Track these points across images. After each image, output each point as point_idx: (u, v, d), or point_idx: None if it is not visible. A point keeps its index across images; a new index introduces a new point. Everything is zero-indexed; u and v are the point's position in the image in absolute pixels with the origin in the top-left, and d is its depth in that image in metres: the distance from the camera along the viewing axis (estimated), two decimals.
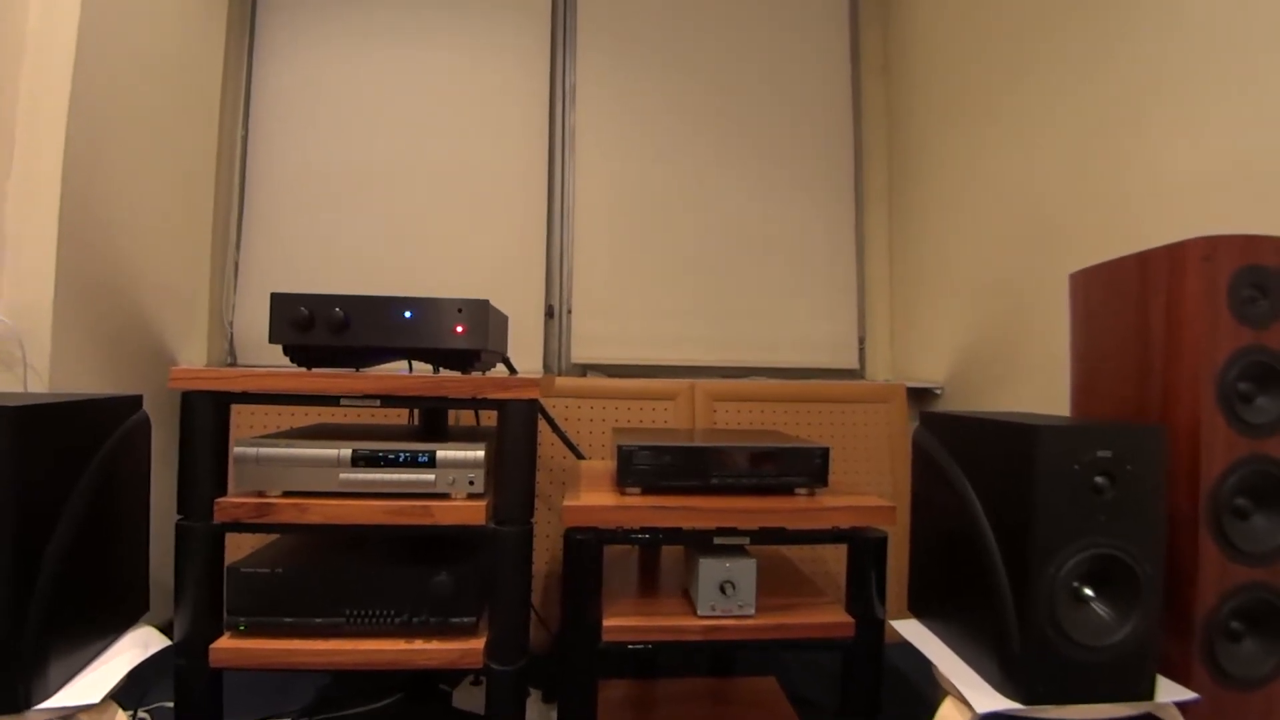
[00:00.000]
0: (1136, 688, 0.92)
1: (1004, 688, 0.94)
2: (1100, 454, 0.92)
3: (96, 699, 0.89)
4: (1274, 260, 0.97)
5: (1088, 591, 0.94)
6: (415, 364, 1.34)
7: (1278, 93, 1.14)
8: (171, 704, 1.08)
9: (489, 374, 1.23)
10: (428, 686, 1.58)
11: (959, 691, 0.97)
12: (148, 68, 1.78)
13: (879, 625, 1.16)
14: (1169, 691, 0.93)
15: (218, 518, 1.07)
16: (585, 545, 1.12)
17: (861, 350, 2.44)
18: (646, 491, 1.17)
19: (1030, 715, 0.92)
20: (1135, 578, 0.92)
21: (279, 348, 1.15)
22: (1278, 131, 1.14)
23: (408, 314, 1.13)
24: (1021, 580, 0.93)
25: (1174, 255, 1.01)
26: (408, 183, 2.25)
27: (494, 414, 1.15)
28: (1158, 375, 1.03)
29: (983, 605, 1.00)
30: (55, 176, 1.46)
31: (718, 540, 1.16)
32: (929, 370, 2.21)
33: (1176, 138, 1.33)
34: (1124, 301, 1.11)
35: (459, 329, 1.14)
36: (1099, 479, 0.92)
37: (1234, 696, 0.96)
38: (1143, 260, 1.07)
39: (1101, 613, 0.93)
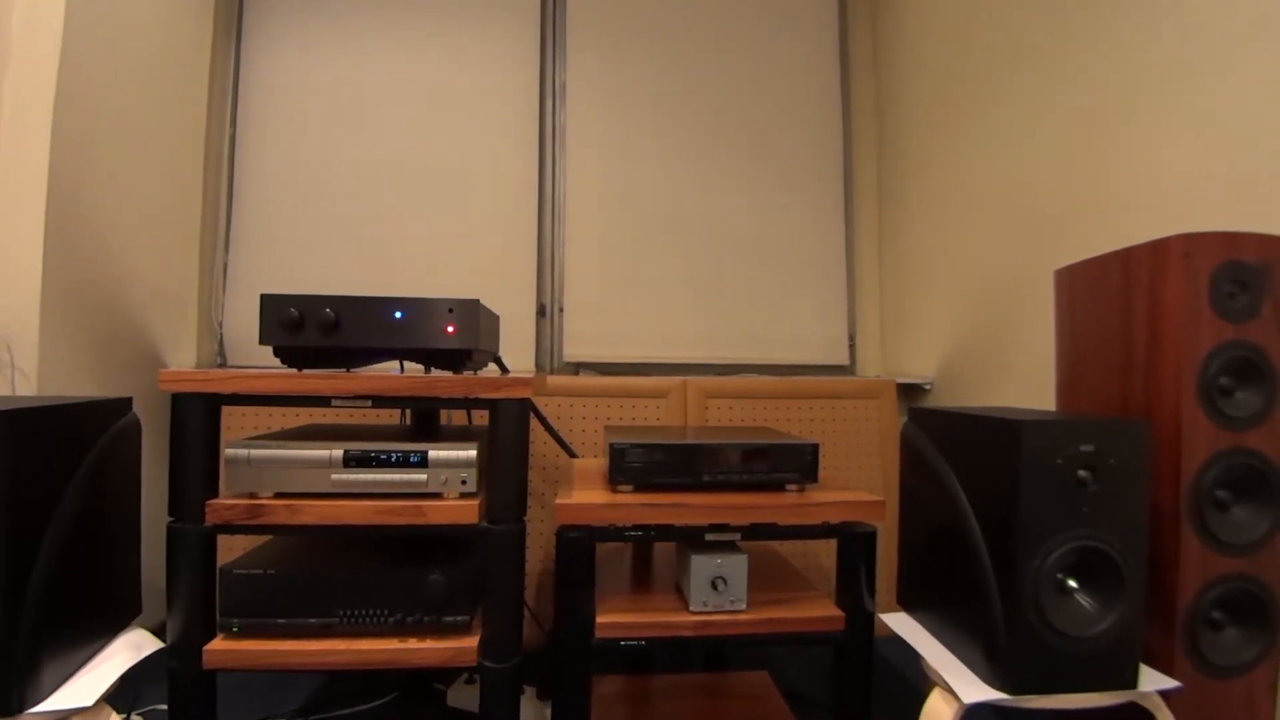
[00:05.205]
0: (1120, 677, 0.94)
1: (990, 678, 0.96)
2: (1083, 448, 0.93)
3: (90, 702, 0.89)
4: (1254, 256, 0.99)
5: (1072, 583, 0.96)
6: (407, 364, 1.34)
7: (1260, 91, 1.15)
8: (165, 707, 1.07)
9: (481, 373, 1.23)
10: (422, 685, 1.58)
11: (946, 683, 0.99)
12: (134, 67, 1.77)
13: (869, 619, 1.17)
14: (1152, 680, 0.95)
15: (209, 520, 1.07)
16: (578, 543, 1.12)
17: (852, 346, 2.46)
18: (638, 489, 1.18)
19: (1016, 705, 0.94)
20: (1118, 569, 0.93)
21: (269, 349, 1.15)
22: (1260, 128, 1.15)
23: (398, 314, 1.14)
24: (1007, 573, 0.94)
25: (1156, 252, 1.02)
26: (397, 182, 2.24)
27: (486, 413, 1.15)
28: (1140, 370, 1.05)
29: (969, 598, 1.01)
30: (41, 177, 1.45)
31: (709, 536, 1.17)
32: (919, 366, 2.23)
33: (1162, 135, 1.34)
34: (1107, 298, 1.13)
35: (450, 329, 1.14)
36: (1082, 473, 0.94)
37: (1216, 684, 0.97)
38: (1125, 257, 1.09)
39: (1085, 604, 0.95)
